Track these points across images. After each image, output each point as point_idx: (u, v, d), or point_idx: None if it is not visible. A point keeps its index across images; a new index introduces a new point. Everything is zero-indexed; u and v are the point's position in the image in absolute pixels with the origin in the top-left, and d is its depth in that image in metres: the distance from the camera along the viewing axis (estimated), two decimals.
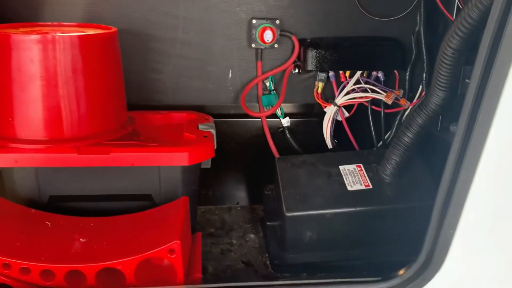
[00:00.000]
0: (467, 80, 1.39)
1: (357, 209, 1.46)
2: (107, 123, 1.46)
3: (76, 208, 1.41)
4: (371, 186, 1.52)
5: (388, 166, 1.51)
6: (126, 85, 1.57)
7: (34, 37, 1.31)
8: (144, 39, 1.75)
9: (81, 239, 1.25)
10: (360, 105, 1.84)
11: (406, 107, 1.77)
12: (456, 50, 1.21)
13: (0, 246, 1.19)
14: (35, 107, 1.34)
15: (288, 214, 1.47)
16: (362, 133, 1.86)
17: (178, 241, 1.17)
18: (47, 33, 1.41)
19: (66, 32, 1.45)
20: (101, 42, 1.42)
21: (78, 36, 1.35)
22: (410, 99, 1.80)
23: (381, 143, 1.86)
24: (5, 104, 1.35)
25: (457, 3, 1.49)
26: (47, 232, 1.28)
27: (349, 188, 1.52)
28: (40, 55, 1.31)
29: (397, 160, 1.49)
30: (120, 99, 1.53)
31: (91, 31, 1.47)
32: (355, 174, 1.57)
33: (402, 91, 1.78)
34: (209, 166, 1.52)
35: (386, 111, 1.82)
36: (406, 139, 1.45)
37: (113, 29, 1.49)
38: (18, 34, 1.33)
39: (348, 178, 1.56)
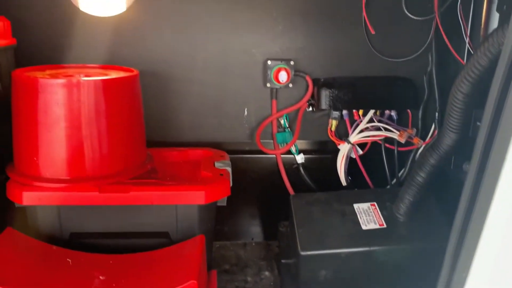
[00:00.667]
0: (478, 123, 1.41)
1: (371, 248, 1.47)
2: (127, 161, 1.51)
3: (95, 245, 1.45)
4: (385, 225, 1.53)
5: (402, 205, 1.53)
6: (146, 123, 1.62)
7: (60, 81, 1.38)
8: (163, 79, 1.82)
9: (100, 277, 1.28)
10: (374, 143, 1.86)
11: (419, 146, 1.79)
12: (466, 95, 1.24)
13: (23, 282, 1.22)
14: (59, 147, 1.40)
15: (303, 253, 1.48)
16: (376, 171, 1.88)
17: (195, 281, 1.19)
18: (72, 75, 1.49)
19: (90, 74, 1.52)
20: (124, 84, 1.48)
21: (102, 80, 1.42)
22: (423, 138, 1.83)
23: (395, 180, 1.88)
24: (31, 144, 1.41)
25: (468, 47, 1.53)
26: (68, 269, 1.31)
27: (364, 227, 1.54)
28: (66, 98, 1.37)
29: (411, 199, 1.50)
30: (140, 138, 1.58)
31: (114, 74, 1.54)
32: (370, 213, 1.58)
33: (415, 129, 1.81)
34: (224, 204, 1.55)
35: (400, 149, 1.84)
36: (419, 178, 1.47)
37: (135, 71, 1.56)
38: (45, 78, 1.40)
39: (363, 216, 1.58)
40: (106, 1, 1.67)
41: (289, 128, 1.90)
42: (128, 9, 1.71)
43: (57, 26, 1.72)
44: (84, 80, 1.40)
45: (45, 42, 1.73)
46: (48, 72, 1.55)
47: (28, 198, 1.40)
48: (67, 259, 1.34)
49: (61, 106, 1.37)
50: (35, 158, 1.41)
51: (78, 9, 1.68)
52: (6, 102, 1.48)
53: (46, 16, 1.72)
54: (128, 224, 1.49)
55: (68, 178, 1.41)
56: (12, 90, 1.45)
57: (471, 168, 1.00)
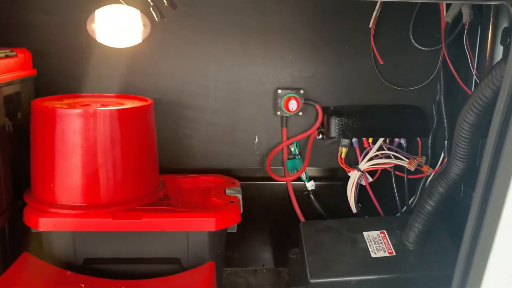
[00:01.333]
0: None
1: (381, 276, 1.48)
2: (140, 188, 1.55)
3: (108, 271, 1.48)
4: (394, 253, 1.54)
5: (411, 233, 1.54)
6: (159, 149, 1.67)
7: (77, 111, 1.43)
8: (177, 107, 1.87)
9: None
10: (384, 170, 1.88)
11: (428, 174, 1.80)
12: (472, 125, 1.26)
13: None
14: (75, 175, 1.44)
15: (312, 281, 1.49)
16: (386, 198, 1.90)
17: None
18: (89, 105, 1.54)
19: (106, 103, 1.58)
20: (138, 114, 1.53)
21: (117, 109, 1.47)
22: (433, 166, 1.84)
23: (405, 208, 1.88)
24: (48, 171, 1.46)
25: (475, 78, 1.55)
26: None
27: (373, 255, 1.54)
28: (82, 127, 1.42)
29: (420, 227, 1.51)
30: (153, 165, 1.62)
31: (129, 103, 1.59)
32: (379, 241, 1.59)
33: (424, 157, 1.82)
34: (235, 231, 1.57)
35: (410, 177, 1.85)
36: (428, 207, 1.48)
37: (149, 101, 1.61)
38: (63, 108, 1.46)
39: (372, 244, 1.58)
40: (122, 33, 1.73)
41: (299, 155, 1.93)
42: (144, 41, 1.78)
43: (75, 57, 1.79)
44: (100, 110, 1.45)
45: (63, 72, 1.80)
46: (65, 101, 1.61)
47: (44, 224, 1.44)
48: (81, 285, 1.37)
49: (77, 135, 1.42)
50: (51, 185, 1.46)
51: (95, 40, 1.75)
52: (25, 130, 1.54)
53: (64, 48, 1.79)
54: (141, 250, 1.52)
55: (83, 204, 1.45)
56: (31, 119, 1.50)
57: (475, 200, 1.02)
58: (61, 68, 1.80)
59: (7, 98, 1.53)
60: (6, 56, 1.53)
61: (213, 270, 1.41)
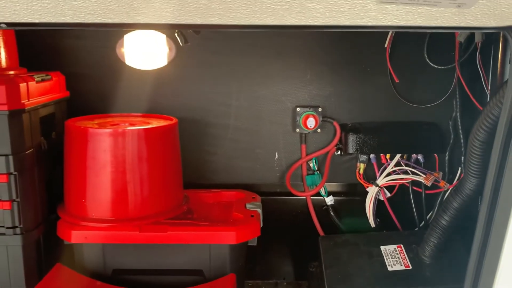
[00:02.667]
0: None
1: None
2: (166, 203, 1.63)
3: (136, 281, 1.56)
4: (410, 267, 1.57)
5: (427, 248, 1.57)
6: (183, 165, 1.75)
7: (107, 130, 1.54)
8: (200, 125, 1.96)
9: None
10: (402, 185, 1.92)
11: (445, 189, 1.83)
12: (483, 142, 1.30)
13: None
14: (105, 190, 1.54)
15: None
16: (404, 213, 1.93)
17: None
18: (118, 124, 1.64)
19: (134, 122, 1.68)
20: (164, 133, 1.63)
21: (144, 129, 1.57)
22: (450, 181, 1.87)
23: (423, 223, 1.91)
24: (80, 187, 1.56)
25: (489, 95, 1.59)
26: None
27: (389, 269, 1.58)
28: (112, 146, 1.52)
29: (435, 242, 1.55)
30: (178, 181, 1.71)
31: (155, 122, 1.69)
32: (396, 255, 1.63)
33: (441, 173, 1.85)
34: (255, 244, 1.63)
35: (427, 192, 1.88)
36: (443, 222, 1.52)
37: (174, 120, 1.70)
38: (94, 127, 1.56)
39: (389, 258, 1.62)
40: (149, 56, 1.84)
41: (318, 171, 1.98)
42: (169, 63, 1.88)
43: (105, 79, 1.91)
44: (128, 129, 1.55)
45: (95, 93, 1.92)
46: (96, 121, 1.71)
47: (76, 236, 1.54)
48: None
49: (107, 153, 1.52)
50: (83, 200, 1.56)
51: (124, 63, 1.87)
52: (59, 149, 1.65)
53: (95, 70, 1.91)
54: (166, 262, 1.59)
55: (112, 218, 1.55)
56: (64, 138, 1.61)
57: (481, 215, 1.06)
58: (93, 90, 1.92)
59: (43, 119, 1.65)
60: (42, 80, 1.65)
61: (234, 281, 1.48)
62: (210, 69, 1.92)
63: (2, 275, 1.53)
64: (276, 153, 1.99)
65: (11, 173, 1.47)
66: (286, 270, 2.06)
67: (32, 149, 1.54)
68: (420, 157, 1.90)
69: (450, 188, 1.83)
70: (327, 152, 1.96)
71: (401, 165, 1.90)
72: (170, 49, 1.86)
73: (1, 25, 0.92)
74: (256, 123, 1.96)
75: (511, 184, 0.98)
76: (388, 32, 1.81)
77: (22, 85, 1.49)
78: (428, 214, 1.92)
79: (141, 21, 0.95)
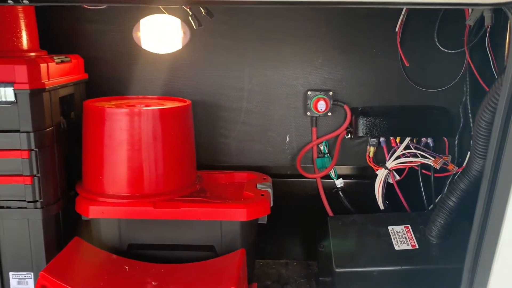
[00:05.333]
0: None
1: (403, 267, 1.55)
2: (179, 181, 1.69)
3: (150, 256, 1.62)
4: (417, 247, 1.61)
5: (433, 228, 1.60)
6: (197, 147, 1.81)
7: (124, 110, 1.59)
8: (213, 108, 2.01)
9: (153, 283, 1.44)
10: (411, 169, 1.95)
11: (454, 172, 1.85)
12: (489, 123, 1.32)
13: (87, 284, 1.41)
14: (122, 167, 1.60)
15: (338, 270, 1.59)
16: (413, 196, 1.96)
17: (235, 287, 1.33)
18: (134, 105, 1.70)
19: (149, 104, 1.74)
20: (178, 113, 1.68)
21: (159, 109, 1.62)
22: (460, 164, 1.89)
23: (431, 206, 1.94)
24: (97, 164, 1.63)
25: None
26: (125, 275, 1.49)
27: (396, 248, 1.62)
28: (128, 125, 1.58)
29: (442, 222, 1.58)
30: (191, 160, 1.76)
31: (169, 104, 1.74)
32: (403, 235, 1.67)
33: (450, 156, 1.87)
34: (265, 222, 1.68)
35: (436, 175, 1.91)
36: (450, 202, 1.55)
37: (188, 102, 1.75)
38: (111, 108, 1.62)
39: (396, 238, 1.66)
40: (164, 40, 1.89)
41: (328, 154, 2.02)
42: (184, 47, 1.93)
43: (122, 62, 1.97)
44: (144, 109, 1.61)
45: (112, 76, 1.98)
46: (113, 102, 1.77)
47: (93, 212, 1.60)
48: (125, 267, 1.52)
49: (124, 132, 1.58)
50: (100, 177, 1.62)
51: (140, 47, 1.92)
52: (78, 128, 1.71)
53: (112, 54, 1.97)
54: (179, 237, 1.65)
55: (128, 194, 1.61)
56: (83, 117, 1.68)
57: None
58: (110, 72, 1.98)
59: (62, 99, 1.71)
60: (62, 62, 1.71)
61: (244, 256, 1.53)
62: (223, 53, 1.96)
63: (23, 247, 1.61)
64: (288, 136, 2.03)
65: (32, 150, 1.54)
66: (296, 250, 2.11)
67: (52, 127, 1.61)
68: (429, 140, 1.92)
69: (459, 171, 1.85)
70: (338, 135, 2.00)
71: (411, 149, 1.92)
72: (184, 33, 1.91)
73: (24, 1, 0.97)
74: (268, 107, 2.00)
75: (511, 162, 1.01)
76: (399, 16, 1.83)
77: (43, 66, 1.56)
78: (437, 197, 1.94)
79: None
